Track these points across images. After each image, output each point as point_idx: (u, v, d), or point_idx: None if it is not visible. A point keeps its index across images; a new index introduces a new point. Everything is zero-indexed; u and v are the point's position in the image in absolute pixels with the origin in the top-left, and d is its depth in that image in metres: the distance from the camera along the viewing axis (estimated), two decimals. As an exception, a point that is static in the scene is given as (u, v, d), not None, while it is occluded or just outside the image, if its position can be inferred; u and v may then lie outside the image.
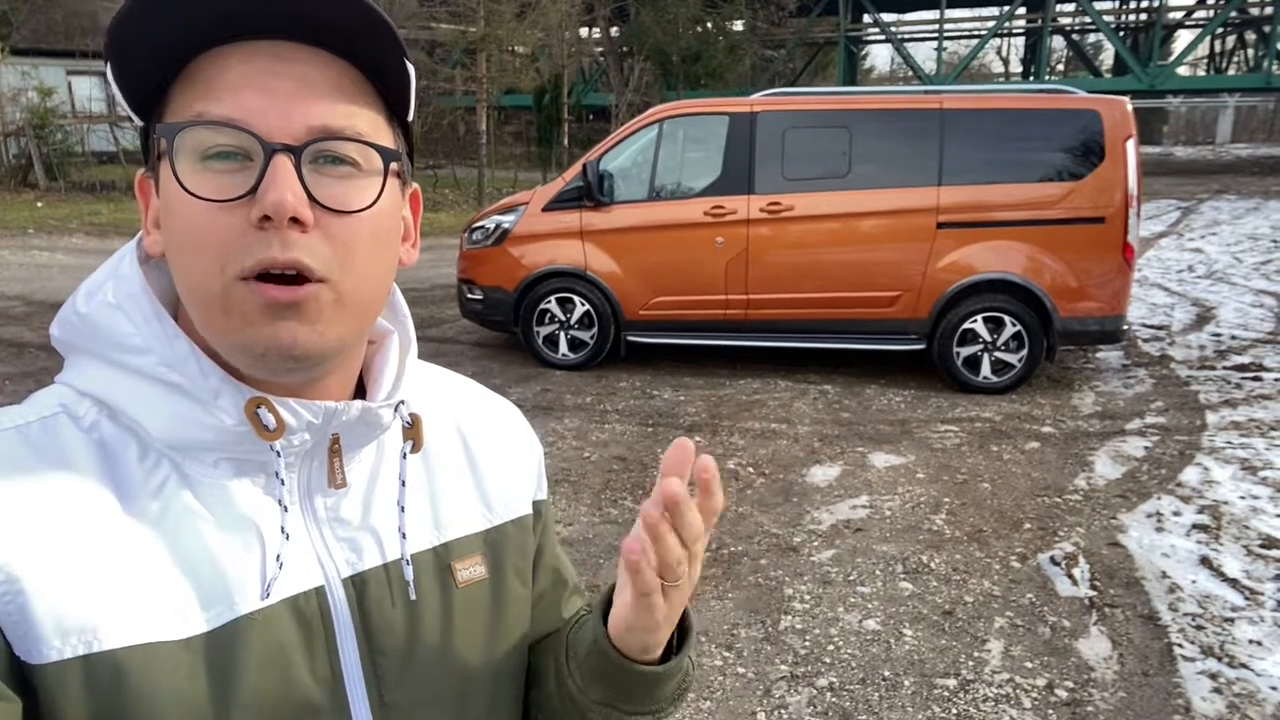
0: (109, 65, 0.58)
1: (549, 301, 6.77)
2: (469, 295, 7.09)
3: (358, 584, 0.66)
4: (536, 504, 0.82)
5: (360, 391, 0.71)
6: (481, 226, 7.06)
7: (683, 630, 0.72)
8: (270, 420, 0.61)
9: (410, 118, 0.66)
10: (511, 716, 0.78)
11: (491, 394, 0.85)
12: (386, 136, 0.63)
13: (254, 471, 0.64)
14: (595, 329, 6.75)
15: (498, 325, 7.18)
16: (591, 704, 0.71)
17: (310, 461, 0.65)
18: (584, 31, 29.87)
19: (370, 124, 0.61)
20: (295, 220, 0.56)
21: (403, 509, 0.69)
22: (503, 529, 0.77)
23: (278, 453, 0.62)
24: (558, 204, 6.75)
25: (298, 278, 0.57)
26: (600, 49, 30.12)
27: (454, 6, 18.90)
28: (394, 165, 0.62)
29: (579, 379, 6.63)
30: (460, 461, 0.77)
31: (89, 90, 22.42)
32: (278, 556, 0.62)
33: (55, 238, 13.59)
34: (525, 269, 6.76)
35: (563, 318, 6.78)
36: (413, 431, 0.70)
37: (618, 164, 6.76)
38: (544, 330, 6.83)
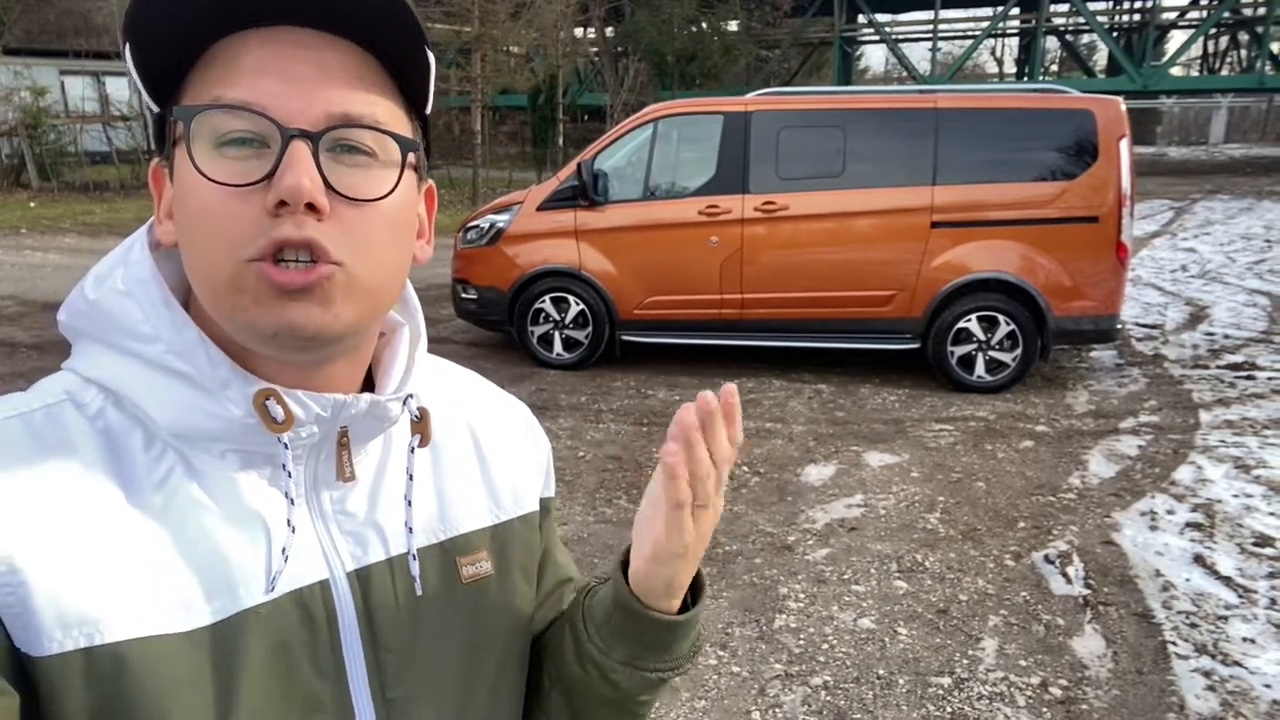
0: (126, 48, 0.58)
1: (543, 301, 6.76)
2: (463, 295, 7.08)
3: (362, 578, 0.66)
4: (544, 501, 0.82)
5: (369, 384, 0.70)
6: (476, 226, 7.05)
7: (695, 593, 0.73)
8: (279, 412, 0.60)
9: (428, 110, 0.66)
10: (514, 711, 0.77)
11: (501, 391, 0.85)
12: (404, 127, 0.62)
13: (260, 464, 0.63)
14: (590, 328, 6.75)
15: (492, 325, 7.18)
16: (615, 664, 0.72)
17: (318, 454, 0.65)
18: (579, 31, 29.82)
19: (389, 113, 0.60)
20: (311, 207, 0.56)
21: (409, 503, 0.68)
22: (509, 525, 0.77)
23: (285, 445, 0.61)
24: (552, 203, 6.74)
25: (311, 260, 0.57)
26: (595, 49, 30.09)
27: (449, 6, 18.86)
28: (411, 157, 0.61)
29: (574, 378, 6.63)
30: (469, 457, 0.76)
31: (82, 90, 22.33)
32: (283, 550, 0.62)
33: (48, 238, 13.54)
34: (520, 268, 6.75)
35: (557, 317, 6.77)
36: (421, 425, 0.70)
37: (612, 163, 6.75)
38: (538, 330, 6.83)
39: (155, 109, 0.61)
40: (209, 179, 0.56)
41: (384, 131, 0.59)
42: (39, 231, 13.98)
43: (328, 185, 0.56)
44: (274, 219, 0.55)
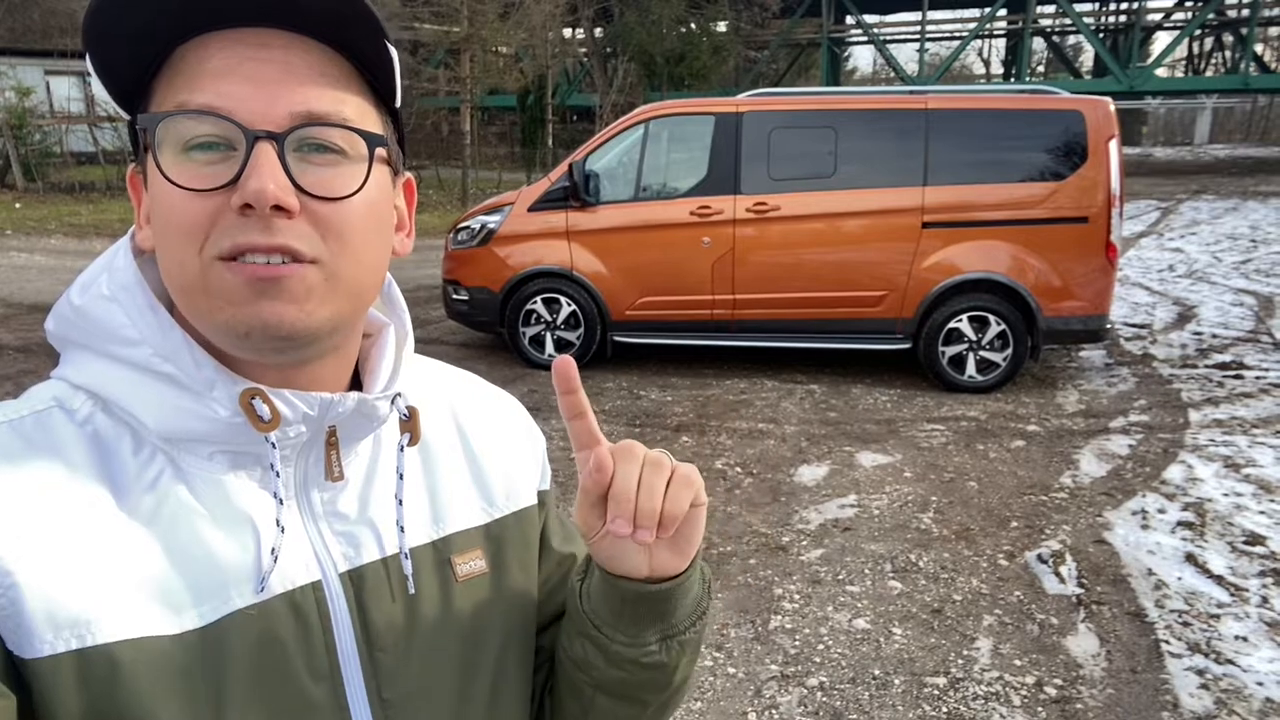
0: (88, 57, 0.57)
1: (535, 302, 6.74)
2: (454, 296, 7.06)
3: (355, 579, 0.66)
4: (541, 494, 0.82)
5: (357, 385, 0.70)
6: (467, 227, 7.03)
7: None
8: (265, 411, 0.60)
9: (398, 104, 0.65)
10: (516, 710, 0.76)
11: (490, 386, 0.85)
12: (374, 123, 0.62)
13: (250, 465, 0.63)
14: (581, 329, 6.73)
15: (483, 326, 7.16)
16: (650, 649, 0.72)
17: (307, 455, 0.65)
18: (568, 32, 29.82)
19: (356, 110, 0.60)
20: (279, 209, 0.55)
21: (400, 502, 0.68)
22: (504, 522, 0.76)
23: (273, 444, 0.61)
24: (543, 204, 6.73)
25: (284, 260, 0.56)
26: (584, 49, 30.10)
27: (437, 7, 18.84)
28: (380, 151, 0.61)
29: (565, 380, 6.60)
30: (458, 455, 0.76)
31: (67, 90, 22.15)
32: (273, 550, 0.61)
33: (34, 239, 13.43)
34: (511, 269, 6.74)
35: (549, 318, 6.76)
36: (410, 424, 0.69)
37: (603, 164, 6.74)
38: (530, 331, 6.81)
39: (126, 116, 0.61)
40: (176, 184, 0.56)
41: (349, 128, 0.59)
42: (24, 233, 13.86)
43: (296, 186, 0.56)
44: (240, 219, 0.55)
